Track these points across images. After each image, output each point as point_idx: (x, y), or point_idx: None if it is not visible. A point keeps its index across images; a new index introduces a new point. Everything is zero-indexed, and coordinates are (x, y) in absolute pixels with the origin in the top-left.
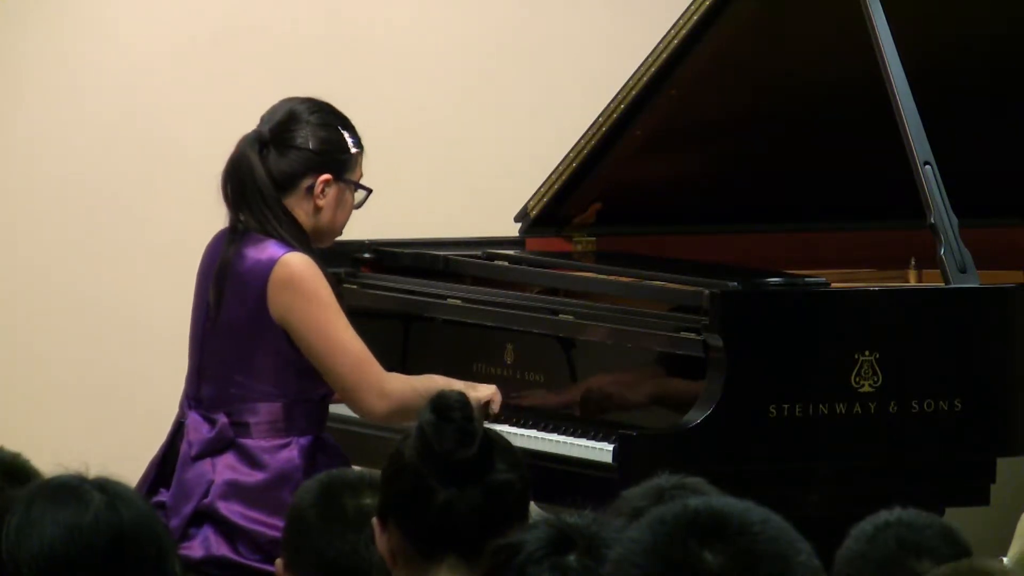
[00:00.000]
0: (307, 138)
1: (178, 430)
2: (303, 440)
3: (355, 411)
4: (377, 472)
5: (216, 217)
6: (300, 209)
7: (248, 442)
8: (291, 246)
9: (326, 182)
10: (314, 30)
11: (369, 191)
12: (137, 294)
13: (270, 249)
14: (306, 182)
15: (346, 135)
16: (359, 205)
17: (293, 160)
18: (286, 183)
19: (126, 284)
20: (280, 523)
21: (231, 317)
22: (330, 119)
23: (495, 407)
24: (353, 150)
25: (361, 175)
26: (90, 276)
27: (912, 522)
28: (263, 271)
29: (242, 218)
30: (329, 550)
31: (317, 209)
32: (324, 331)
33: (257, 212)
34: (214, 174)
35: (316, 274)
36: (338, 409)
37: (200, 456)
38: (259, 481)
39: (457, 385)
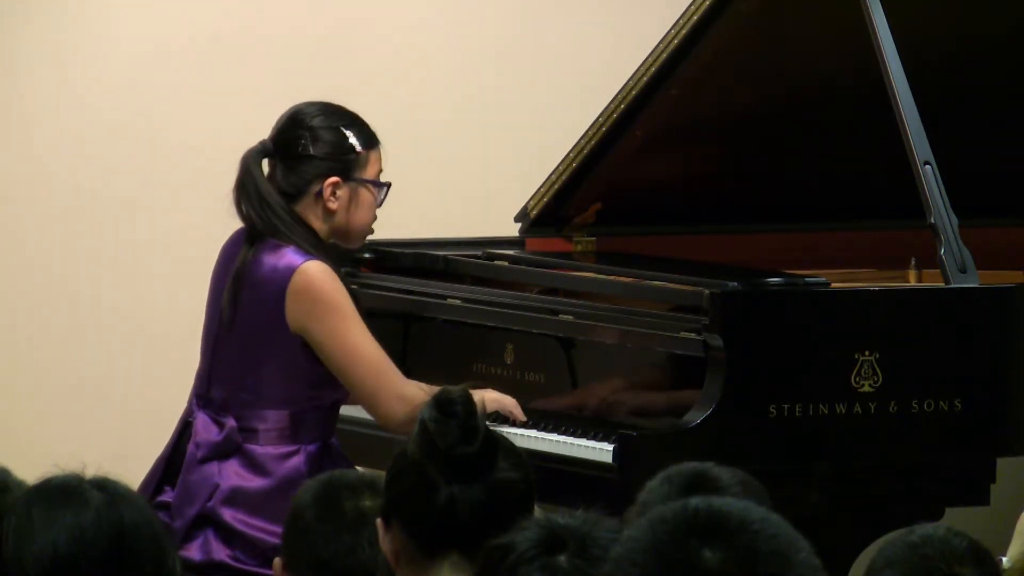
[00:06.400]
0: (308, 144)
1: (185, 428)
2: (311, 448)
3: (374, 416)
4: (377, 473)
5: (216, 217)
6: (312, 215)
7: (255, 448)
8: (309, 253)
9: (335, 184)
10: (314, 31)
11: (386, 186)
12: (138, 294)
13: (288, 256)
14: (314, 187)
15: (350, 134)
16: (381, 202)
17: (299, 170)
18: (295, 192)
19: (127, 284)
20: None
21: (246, 323)
22: (333, 120)
23: (515, 415)
24: (359, 149)
25: (380, 170)
26: (91, 276)
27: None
28: (281, 279)
29: (258, 226)
30: (325, 551)
31: (329, 212)
32: (343, 340)
33: (269, 224)
34: (215, 174)
35: (335, 283)
36: (347, 411)
37: (207, 459)
38: (263, 488)
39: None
